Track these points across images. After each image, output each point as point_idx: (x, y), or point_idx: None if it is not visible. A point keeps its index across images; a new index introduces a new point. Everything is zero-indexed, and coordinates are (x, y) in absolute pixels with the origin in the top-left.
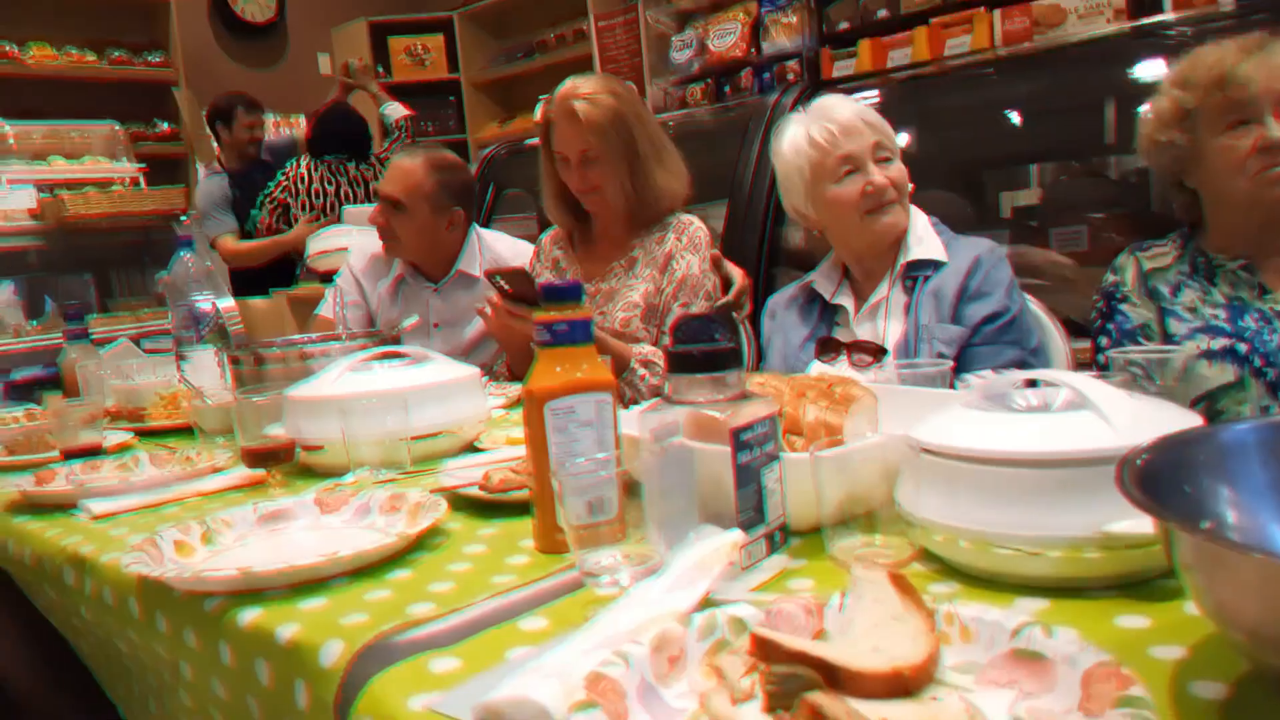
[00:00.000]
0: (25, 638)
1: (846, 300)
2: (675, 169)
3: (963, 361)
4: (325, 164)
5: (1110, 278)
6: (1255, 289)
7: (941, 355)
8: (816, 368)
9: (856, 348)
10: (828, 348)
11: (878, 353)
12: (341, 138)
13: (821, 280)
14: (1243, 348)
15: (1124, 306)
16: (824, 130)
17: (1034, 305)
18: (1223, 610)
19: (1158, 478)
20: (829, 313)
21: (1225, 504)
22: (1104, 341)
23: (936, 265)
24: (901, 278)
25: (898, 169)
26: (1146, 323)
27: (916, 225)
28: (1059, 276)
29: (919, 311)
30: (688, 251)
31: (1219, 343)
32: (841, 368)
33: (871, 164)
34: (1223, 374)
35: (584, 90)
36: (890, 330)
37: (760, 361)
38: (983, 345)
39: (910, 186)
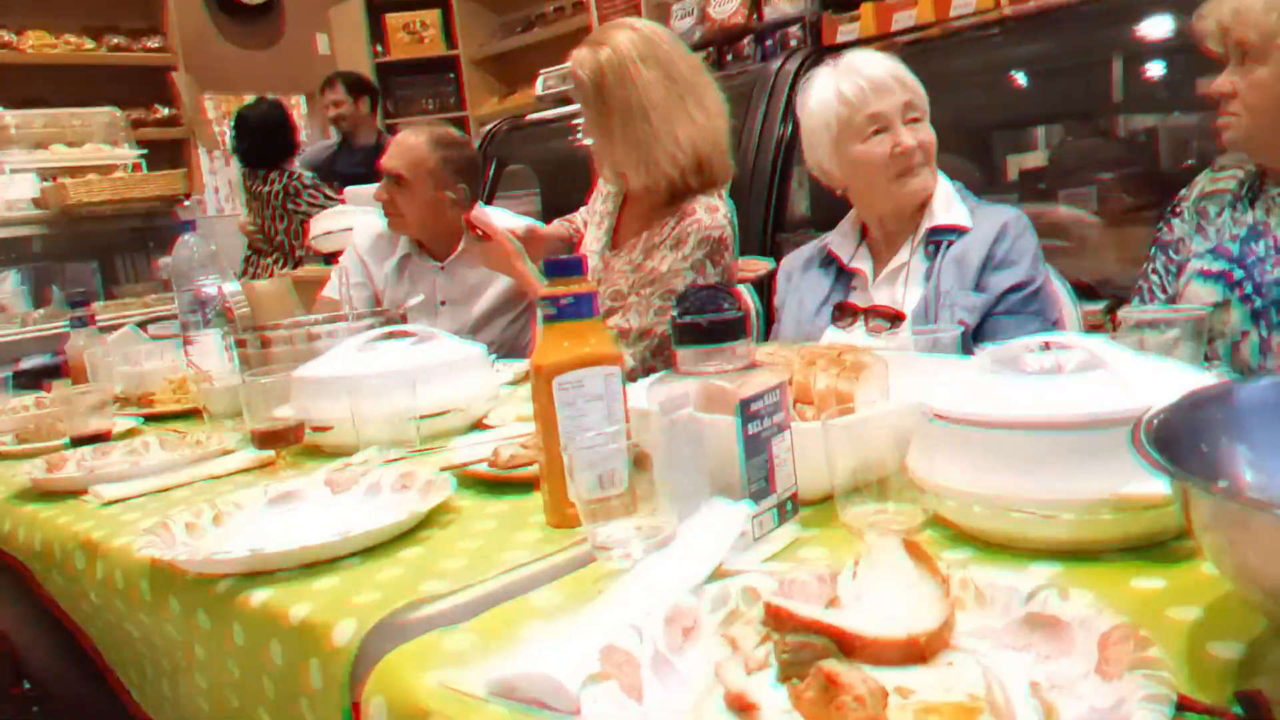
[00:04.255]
0: (42, 623)
1: (864, 264)
2: (673, 140)
3: (985, 331)
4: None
5: (1182, 191)
6: None
7: (962, 323)
8: (830, 333)
9: (873, 313)
10: (844, 313)
11: (894, 318)
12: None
13: (839, 242)
14: (1239, 273)
15: (1174, 220)
16: (854, 86)
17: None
18: (1241, 570)
19: (1172, 438)
20: (845, 276)
21: (1241, 463)
22: (1153, 250)
23: (960, 232)
24: (924, 243)
25: (927, 131)
26: (1183, 238)
27: (941, 190)
28: (1079, 237)
29: (940, 278)
30: (668, 246)
31: (1218, 265)
32: (857, 333)
33: (900, 124)
34: (1210, 295)
35: (594, 38)
36: (909, 296)
37: (772, 324)
38: (1007, 315)
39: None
